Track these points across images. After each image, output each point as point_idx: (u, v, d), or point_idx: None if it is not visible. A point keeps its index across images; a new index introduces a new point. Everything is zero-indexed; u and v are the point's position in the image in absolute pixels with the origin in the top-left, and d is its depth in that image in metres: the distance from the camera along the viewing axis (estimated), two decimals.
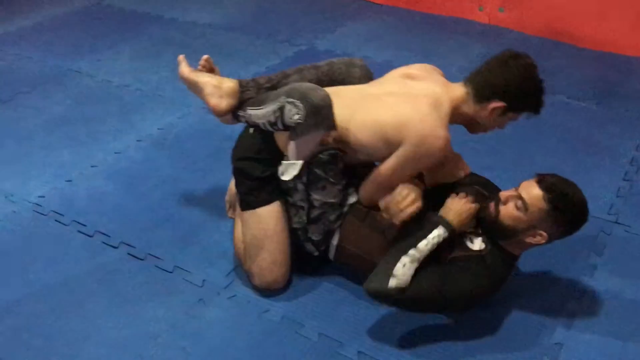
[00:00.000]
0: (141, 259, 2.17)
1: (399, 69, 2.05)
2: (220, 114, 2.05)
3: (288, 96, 1.83)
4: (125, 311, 1.96)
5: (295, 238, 2.00)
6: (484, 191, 1.96)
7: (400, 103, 1.87)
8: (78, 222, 2.35)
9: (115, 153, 2.79)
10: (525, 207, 1.72)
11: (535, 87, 1.85)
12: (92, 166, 2.70)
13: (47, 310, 1.97)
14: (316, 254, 1.99)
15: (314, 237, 1.96)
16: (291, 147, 1.88)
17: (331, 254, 1.99)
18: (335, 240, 1.96)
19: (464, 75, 1.97)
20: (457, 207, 1.78)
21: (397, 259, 1.71)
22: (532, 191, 1.73)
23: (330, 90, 1.92)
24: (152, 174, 2.63)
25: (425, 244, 1.73)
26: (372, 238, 1.91)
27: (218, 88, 2.02)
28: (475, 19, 4.18)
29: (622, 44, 3.72)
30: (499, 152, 2.76)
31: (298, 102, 1.81)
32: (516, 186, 1.79)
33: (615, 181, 2.55)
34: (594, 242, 2.22)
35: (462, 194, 1.79)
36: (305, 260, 2.05)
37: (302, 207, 1.93)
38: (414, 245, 1.72)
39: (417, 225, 1.80)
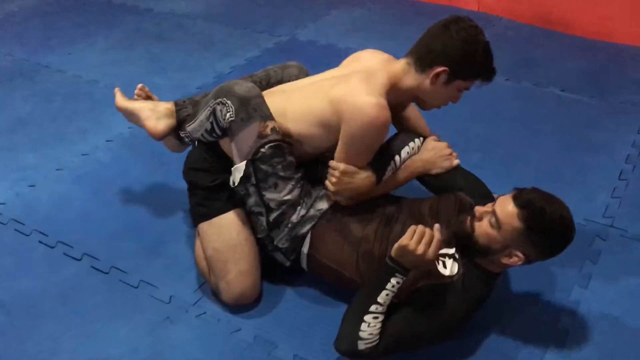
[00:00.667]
0: (105, 273, 2.02)
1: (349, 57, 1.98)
2: (158, 136, 2.01)
3: (216, 98, 1.80)
4: (86, 332, 1.82)
5: (265, 250, 1.87)
6: (468, 198, 1.83)
7: (331, 85, 1.78)
8: (39, 232, 2.20)
9: (83, 155, 2.64)
10: (498, 224, 1.57)
11: (478, 49, 1.72)
12: (57, 169, 2.55)
13: (1, 331, 1.82)
14: (287, 264, 1.85)
15: (281, 245, 1.81)
16: (233, 150, 1.79)
17: (303, 262, 1.85)
18: (305, 248, 1.81)
19: None
20: (410, 248, 1.50)
21: (361, 319, 1.56)
22: (506, 207, 1.57)
23: (266, 92, 1.90)
24: (120, 178, 2.48)
25: (386, 295, 1.56)
26: (344, 250, 1.77)
27: (153, 111, 2.01)
28: (465, 7, 4.01)
29: (617, 32, 3.56)
30: (487, 148, 2.62)
31: (225, 100, 1.77)
32: (504, 193, 1.64)
33: (611, 181, 2.40)
34: (589, 248, 2.08)
35: (411, 230, 1.52)
36: (278, 271, 1.91)
37: (260, 213, 1.80)
38: (375, 301, 1.55)
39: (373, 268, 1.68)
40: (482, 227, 1.60)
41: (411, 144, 1.90)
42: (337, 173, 1.76)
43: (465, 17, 1.77)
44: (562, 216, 1.56)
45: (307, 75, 2.08)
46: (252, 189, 1.78)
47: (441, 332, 1.63)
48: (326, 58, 3.29)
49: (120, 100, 2.09)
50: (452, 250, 1.65)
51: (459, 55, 1.72)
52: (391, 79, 1.79)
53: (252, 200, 1.79)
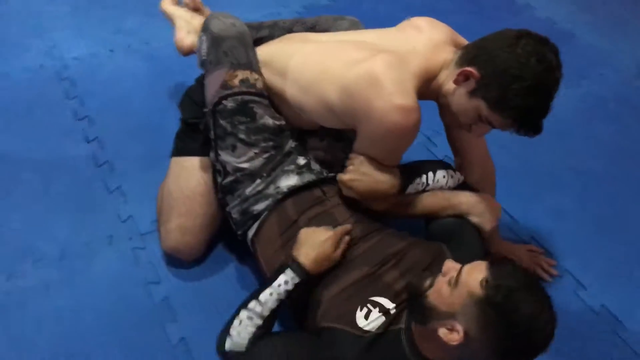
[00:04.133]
0: (99, 165, 1.96)
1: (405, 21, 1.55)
2: (182, 50, 1.84)
3: (202, 29, 1.58)
4: (36, 215, 1.79)
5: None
6: (449, 254, 1.41)
7: (355, 57, 1.38)
8: (80, 99, 2.20)
9: None
10: (455, 282, 1.16)
11: (529, 80, 1.24)
12: (145, 42, 2.50)
13: None
14: (238, 236, 1.58)
15: (233, 214, 1.55)
16: (205, 91, 1.55)
17: (249, 245, 1.58)
18: (251, 232, 1.54)
19: None
20: (309, 239, 1.35)
21: (237, 314, 1.30)
22: (475, 268, 1.16)
23: (289, 35, 1.62)
24: (191, 71, 2.33)
25: (270, 294, 1.30)
26: (277, 257, 1.45)
27: (188, 23, 1.84)
28: None
29: None
30: (581, 201, 1.99)
31: (203, 34, 1.57)
32: None
33: None
34: None
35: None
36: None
37: (218, 171, 1.55)
38: (256, 297, 1.30)
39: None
40: (439, 284, 1.20)
41: (451, 172, 1.53)
42: (355, 163, 1.43)
43: (555, 47, 1.28)
44: (536, 316, 1.09)
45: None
46: (212, 143, 1.53)
47: None
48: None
49: (166, 2, 1.96)
50: (390, 305, 1.29)
51: (500, 70, 1.26)
52: (428, 71, 1.38)
53: (212, 155, 1.56)
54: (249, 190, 1.51)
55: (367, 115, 1.34)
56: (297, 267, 1.32)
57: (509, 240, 1.78)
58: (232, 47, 1.49)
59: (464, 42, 1.48)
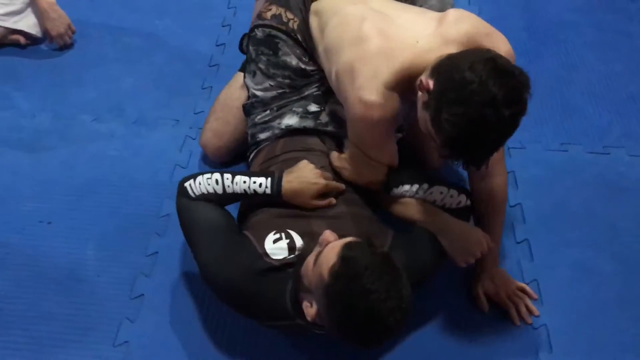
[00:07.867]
0: (210, 65, 2.26)
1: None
2: None
3: None
4: (141, 86, 2.17)
5: None
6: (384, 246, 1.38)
7: (358, 39, 1.39)
8: (233, 12, 2.49)
9: None
10: (316, 260, 1.20)
11: (461, 107, 1.15)
12: None
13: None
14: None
15: (248, 135, 1.71)
16: None
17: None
18: (251, 156, 1.69)
19: None
20: (304, 172, 1.44)
21: (212, 172, 1.44)
22: (331, 251, 1.18)
23: None
24: None
25: (244, 181, 1.41)
26: None
27: None
28: None
29: None
30: None
31: None
32: None
33: None
34: None
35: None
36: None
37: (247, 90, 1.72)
38: (235, 174, 1.43)
39: None
40: (310, 255, 1.25)
41: (453, 192, 1.50)
42: (346, 152, 1.52)
43: (514, 83, 1.17)
44: (377, 306, 1.10)
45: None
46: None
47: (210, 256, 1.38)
48: None
49: None
50: (300, 243, 1.36)
51: (442, 89, 1.20)
52: (411, 68, 1.33)
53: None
54: (258, 118, 1.66)
55: (343, 100, 1.43)
56: (277, 184, 1.42)
57: (510, 272, 1.65)
58: None
59: (498, 44, 1.37)
